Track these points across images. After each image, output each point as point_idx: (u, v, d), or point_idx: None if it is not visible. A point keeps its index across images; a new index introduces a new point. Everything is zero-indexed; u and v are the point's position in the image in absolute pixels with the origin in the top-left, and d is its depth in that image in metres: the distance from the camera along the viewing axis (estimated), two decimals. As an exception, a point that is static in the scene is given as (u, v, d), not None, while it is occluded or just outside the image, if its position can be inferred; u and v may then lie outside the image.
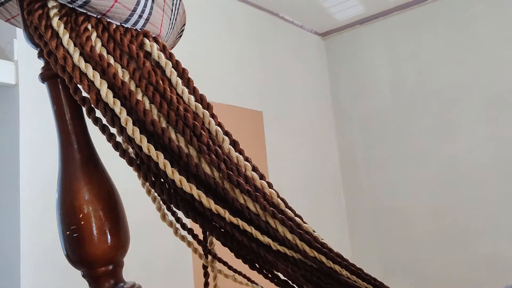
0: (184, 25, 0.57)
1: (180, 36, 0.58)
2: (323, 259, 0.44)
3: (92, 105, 0.42)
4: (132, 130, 0.41)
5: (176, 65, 0.47)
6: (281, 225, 0.42)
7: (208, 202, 0.41)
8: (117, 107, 0.41)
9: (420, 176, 3.13)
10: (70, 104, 0.46)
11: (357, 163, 3.47)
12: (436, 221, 3.03)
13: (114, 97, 0.41)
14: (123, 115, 0.41)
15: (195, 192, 0.41)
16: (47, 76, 0.46)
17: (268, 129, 2.84)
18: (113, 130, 0.44)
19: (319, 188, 3.17)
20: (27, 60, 1.68)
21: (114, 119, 0.41)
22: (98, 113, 0.44)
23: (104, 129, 0.44)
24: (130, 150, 0.46)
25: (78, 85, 0.42)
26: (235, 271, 0.54)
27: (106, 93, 0.41)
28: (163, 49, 0.48)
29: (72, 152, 0.45)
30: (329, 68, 3.68)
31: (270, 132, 2.84)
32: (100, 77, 0.41)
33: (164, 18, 0.49)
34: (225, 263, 0.54)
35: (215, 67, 2.57)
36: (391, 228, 3.23)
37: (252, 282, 0.54)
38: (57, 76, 0.46)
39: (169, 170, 0.40)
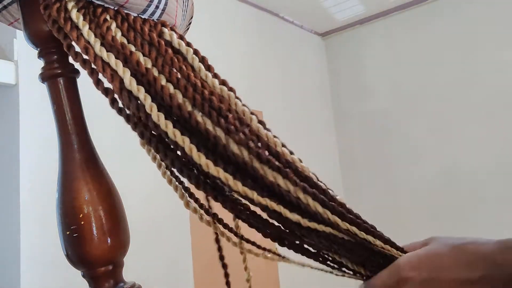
0: (191, 17, 0.57)
1: (188, 28, 0.59)
2: (356, 230, 0.44)
3: (116, 94, 0.42)
4: (157, 116, 0.40)
5: (196, 53, 0.48)
6: (313, 200, 0.42)
7: (236, 185, 0.41)
8: (141, 93, 0.41)
9: (420, 176, 3.13)
10: (71, 104, 0.46)
11: (357, 163, 3.47)
12: (436, 221, 3.03)
13: (137, 84, 0.41)
14: (148, 101, 0.41)
15: (222, 175, 0.40)
16: (47, 76, 0.46)
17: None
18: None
19: (319, 188, 3.17)
20: (27, 60, 1.68)
21: (139, 107, 0.41)
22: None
23: (128, 118, 0.43)
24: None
25: (101, 74, 0.42)
26: (264, 249, 0.54)
27: (130, 81, 0.41)
28: (181, 38, 0.48)
29: (72, 152, 0.45)
30: (329, 68, 3.68)
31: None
32: (123, 66, 0.42)
33: (178, 9, 0.50)
34: (253, 243, 0.54)
35: (215, 67, 2.56)
36: (391, 228, 3.22)
37: (283, 257, 0.54)
38: (57, 76, 0.46)
39: (195, 154, 0.40)
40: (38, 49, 0.47)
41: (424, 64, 3.18)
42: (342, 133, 3.57)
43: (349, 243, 0.44)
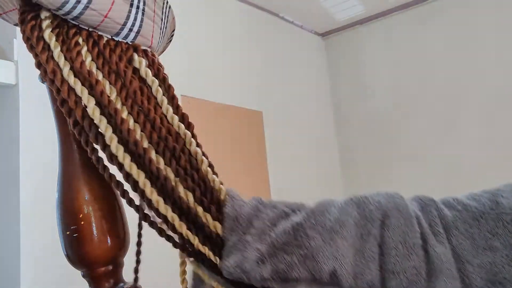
0: (173, 30, 0.57)
1: (170, 40, 0.59)
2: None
3: (78, 120, 0.42)
4: (116, 148, 0.41)
5: (163, 81, 0.48)
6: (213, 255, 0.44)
7: (181, 227, 0.42)
8: (102, 124, 0.41)
9: (420, 176, 3.13)
10: (70, 104, 0.46)
11: (357, 163, 3.47)
12: (436, 221, 3.03)
13: (100, 114, 0.42)
14: (108, 133, 0.41)
15: (170, 215, 0.42)
16: (47, 76, 0.46)
17: (268, 129, 2.84)
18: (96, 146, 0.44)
19: (319, 188, 3.17)
20: (27, 60, 1.67)
21: (98, 136, 0.42)
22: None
23: (87, 143, 0.43)
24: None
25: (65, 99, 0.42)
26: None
27: (93, 110, 0.41)
28: (152, 63, 0.48)
29: (72, 152, 0.45)
30: (329, 68, 3.68)
31: (270, 132, 2.84)
32: (88, 93, 0.42)
33: (155, 28, 0.49)
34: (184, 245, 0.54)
35: (215, 67, 2.57)
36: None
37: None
38: (57, 76, 0.46)
39: (148, 190, 0.41)
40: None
41: (424, 64, 3.18)
42: (342, 133, 3.57)
43: None
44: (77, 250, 0.43)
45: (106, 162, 0.44)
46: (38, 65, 0.43)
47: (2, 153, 1.69)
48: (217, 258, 0.42)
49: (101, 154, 0.44)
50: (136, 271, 0.51)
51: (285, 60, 3.20)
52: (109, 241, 0.44)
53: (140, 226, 0.50)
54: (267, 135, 2.82)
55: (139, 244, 0.52)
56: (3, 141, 1.69)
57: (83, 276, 0.45)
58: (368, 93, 3.45)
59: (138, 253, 0.52)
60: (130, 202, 0.45)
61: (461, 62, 3.02)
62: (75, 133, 0.44)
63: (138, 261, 0.52)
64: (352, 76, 3.55)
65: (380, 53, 3.41)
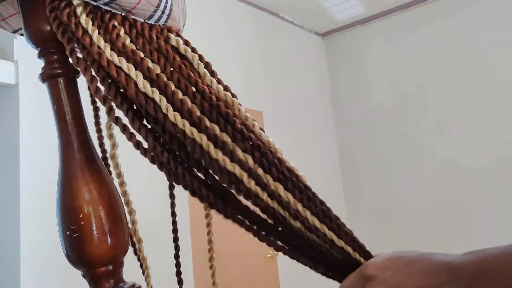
0: (184, 24, 0.57)
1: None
2: (349, 250, 0.46)
3: (132, 97, 0.43)
4: (174, 115, 0.41)
5: (200, 58, 0.49)
6: (311, 214, 0.44)
7: (249, 182, 0.42)
8: (156, 95, 0.42)
9: (420, 176, 3.13)
10: (71, 104, 0.46)
11: (357, 163, 3.47)
12: (436, 221, 3.03)
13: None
14: (164, 102, 0.42)
15: (238, 171, 0.42)
16: (48, 76, 0.46)
17: (268, 129, 2.84)
18: (126, 130, 0.45)
19: (319, 188, 3.16)
20: (27, 60, 1.68)
21: (155, 107, 0.42)
22: (118, 112, 0.44)
23: (124, 128, 0.44)
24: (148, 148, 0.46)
25: (116, 79, 0.43)
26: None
27: (143, 83, 0.42)
28: (186, 43, 0.49)
29: (72, 152, 0.45)
30: (329, 68, 3.68)
31: (270, 132, 2.83)
32: (135, 70, 0.42)
33: (181, 13, 0.50)
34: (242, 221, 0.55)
35: (215, 67, 2.56)
36: (391, 228, 3.23)
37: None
38: (57, 76, 0.46)
39: (212, 151, 0.41)
40: (38, 49, 0.46)
41: (424, 64, 3.18)
42: (342, 133, 3.57)
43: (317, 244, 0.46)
44: (77, 250, 0.43)
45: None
46: (70, 52, 0.44)
47: (2, 153, 1.69)
48: (287, 213, 0.43)
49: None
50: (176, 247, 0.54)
51: (285, 60, 3.20)
52: (109, 241, 0.44)
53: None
54: (267, 135, 2.82)
55: (174, 223, 0.54)
56: (3, 141, 1.69)
57: (83, 276, 0.45)
58: (368, 93, 3.45)
59: (175, 229, 0.54)
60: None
61: (461, 62, 3.02)
62: (112, 120, 0.44)
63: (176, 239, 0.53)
64: (352, 76, 3.55)
65: (380, 53, 3.41)
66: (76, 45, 0.44)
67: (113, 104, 0.44)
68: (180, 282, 0.54)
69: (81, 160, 0.45)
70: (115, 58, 0.42)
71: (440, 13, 3.12)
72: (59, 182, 0.45)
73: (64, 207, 0.44)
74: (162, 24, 0.48)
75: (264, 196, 0.42)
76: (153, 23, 0.47)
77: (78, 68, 0.44)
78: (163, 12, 0.47)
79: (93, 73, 0.43)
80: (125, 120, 0.44)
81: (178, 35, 0.49)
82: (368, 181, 3.40)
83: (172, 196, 0.56)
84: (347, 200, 3.47)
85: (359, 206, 3.41)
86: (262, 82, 2.91)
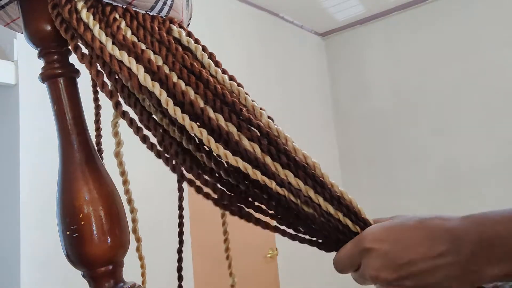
0: (190, 18, 0.57)
1: (188, 25, 0.59)
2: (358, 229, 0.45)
3: (135, 92, 0.43)
4: (174, 110, 0.41)
5: (204, 49, 0.48)
6: (324, 200, 0.43)
7: (255, 174, 0.41)
8: (156, 89, 0.41)
9: (420, 176, 3.13)
10: (71, 104, 0.46)
11: (357, 163, 3.47)
12: (436, 221, 3.03)
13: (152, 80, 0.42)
14: (164, 96, 0.41)
15: (241, 165, 0.41)
16: (47, 76, 0.46)
17: (268, 129, 2.84)
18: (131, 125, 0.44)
19: (319, 188, 3.17)
20: (27, 60, 1.68)
21: (158, 101, 0.42)
22: (125, 107, 0.44)
23: (132, 122, 0.44)
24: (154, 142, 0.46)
25: (117, 72, 0.43)
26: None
27: (144, 77, 0.41)
28: (189, 34, 0.49)
29: (72, 152, 0.45)
30: (329, 68, 3.68)
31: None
32: (136, 63, 0.42)
33: (184, 4, 0.50)
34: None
35: (215, 67, 2.57)
36: (391, 228, 3.23)
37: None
38: (57, 76, 0.46)
39: (213, 145, 0.41)
40: (38, 49, 0.46)
41: (424, 64, 3.18)
42: (342, 133, 3.57)
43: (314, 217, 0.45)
44: (77, 250, 0.43)
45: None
46: (75, 48, 0.44)
47: (2, 153, 1.69)
48: (299, 200, 0.42)
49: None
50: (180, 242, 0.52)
51: (285, 60, 3.20)
52: (109, 241, 0.44)
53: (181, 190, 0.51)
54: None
55: (180, 224, 0.53)
56: (3, 141, 1.69)
57: (83, 276, 0.44)
58: (368, 93, 3.45)
59: (181, 223, 0.53)
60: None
61: (461, 62, 3.02)
62: (120, 114, 0.43)
63: (181, 232, 0.53)
64: (352, 76, 3.55)
65: (380, 53, 3.41)
66: (79, 41, 0.44)
67: (119, 98, 0.44)
68: (180, 278, 0.54)
69: (81, 160, 0.45)
70: (117, 52, 0.42)
71: (440, 13, 3.12)
72: (59, 182, 0.45)
73: (64, 207, 0.44)
74: (164, 16, 0.48)
75: (273, 185, 0.42)
76: (155, 14, 0.47)
77: (84, 64, 0.44)
78: (164, 3, 0.47)
79: (99, 67, 0.43)
80: (132, 115, 0.44)
81: (180, 26, 0.49)
82: (368, 181, 3.40)
83: (180, 189, 0.56)
84: (347, 200, 3.47)
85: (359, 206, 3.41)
86: (261, 82, 2.91)
